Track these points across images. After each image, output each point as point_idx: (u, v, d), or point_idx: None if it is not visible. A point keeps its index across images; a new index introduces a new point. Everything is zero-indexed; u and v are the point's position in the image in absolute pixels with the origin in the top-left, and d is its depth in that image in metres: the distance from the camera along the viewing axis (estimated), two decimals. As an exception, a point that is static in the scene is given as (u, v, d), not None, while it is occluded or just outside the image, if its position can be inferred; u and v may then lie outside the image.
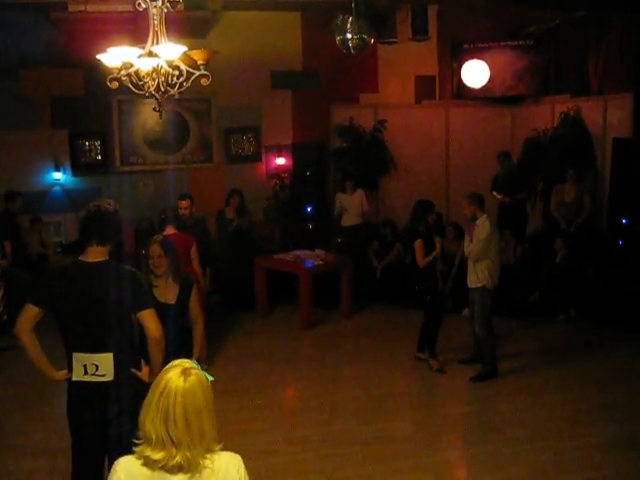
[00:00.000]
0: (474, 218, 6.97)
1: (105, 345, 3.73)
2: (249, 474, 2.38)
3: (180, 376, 2.27)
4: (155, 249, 4.86)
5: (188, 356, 4.06)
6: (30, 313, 3.74)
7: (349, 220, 10.35)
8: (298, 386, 7.28)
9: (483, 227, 6.91)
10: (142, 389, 3.49)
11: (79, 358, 3.74)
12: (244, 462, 2.38)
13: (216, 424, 2.31)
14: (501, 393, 6.75)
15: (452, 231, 9.54)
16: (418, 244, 7.15)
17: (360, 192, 10.33)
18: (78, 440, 3.88)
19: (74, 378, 3.78)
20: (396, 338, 8.29)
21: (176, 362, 2.35)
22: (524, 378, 7.05)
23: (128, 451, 2.38)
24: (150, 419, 2.25)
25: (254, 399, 6.61)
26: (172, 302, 4.89)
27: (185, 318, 5.00)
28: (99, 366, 3.72)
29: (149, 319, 3.79)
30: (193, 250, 7.18)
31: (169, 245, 4.99)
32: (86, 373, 3.74)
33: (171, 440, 2.23)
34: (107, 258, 3.81)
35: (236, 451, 2.40)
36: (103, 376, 3.73)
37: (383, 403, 6.55)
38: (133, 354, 3.87)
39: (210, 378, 2.35)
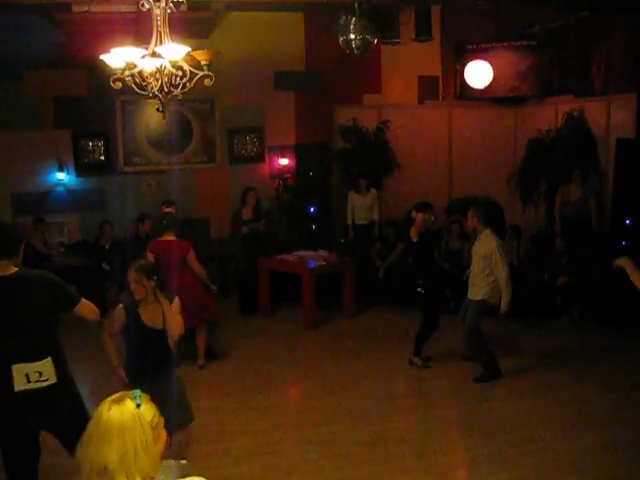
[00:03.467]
0: (475, 231, 6.96)
1: (43, 352, 3.91)
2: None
3: (108, 403, 2.22)
4: (131, 274, 4.68)
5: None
6: None
7: (358, 219, 10.37)
8: (301, 386, 7.28)
9: (484, 242, 6.89)
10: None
11: (20, 369, 3.87)
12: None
13: (138, 458, 2.16)
14: (503, 394, 6.75)
15: (456, 229, 9.53)
16: (419, 217, 7.09)
17: (373, 192, 10.33)
18: (15, 449, 4.03)
19: (16, 389, 3.88)
20: (399, 339, 8.27)
21: (125, 392, 2.29)
22: (526, 379, 7.04)
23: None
24: (79, 443, 2.22)
25: (257, 399, 6.61)
26: (159, 327, 4.68)
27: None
28: (42, 372, 3.90)
29: (83, 311, 4.13)
30: (190, 256, 7.20)
31: (149, 269, 4.78)
32: (29, 381, 3.89)
33: (84, 465, 2.16)
34: (16, 269, 3.95)
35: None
36: (47, 380, 3.91)
37: (385, 404, 6.55)
38: (62, 352, 4.09)
39: (142, 406, 2.25)
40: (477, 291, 6.97)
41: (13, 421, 3.95)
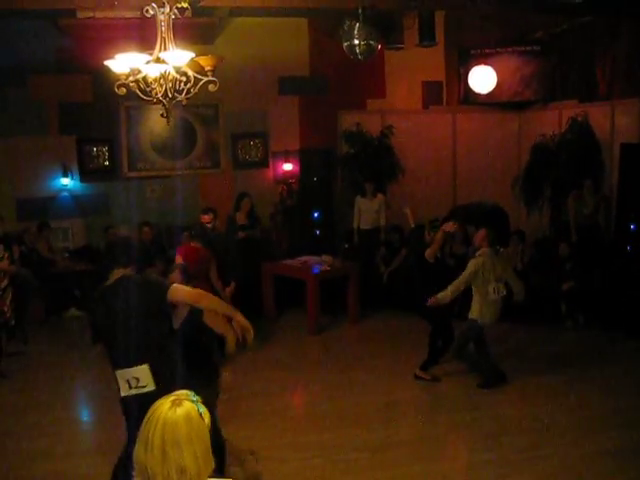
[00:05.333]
0: (478, 248, 6.95)
1: (140, 358, 3.86)
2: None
3: (168, 405, 2.17)
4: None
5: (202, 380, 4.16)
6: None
7: (363, 224, 10.35)
8: (305, 392, 7.27)
9: (473, 261, 6.88)
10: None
11: (121, 374, 3.90)
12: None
13: (206, 461, 2.15)
14: (507, 400, 6.73)
15: (460, 234, 9.52)
16: (439, 235, 7.07)
17: (380, 197, 10.32)
18: None
19: (122, 394, 3.93)
20: (403, 344, 8.27)
21: (178, 393, 2.26)
22: (531, 385, 7.01)
23: None
24: (137, 446, 2.16)
25: (261, 405, 6.59)
26: (176, 327, 4.65)
27: (198, 342, 4.80)
28: (139, 379, 3.85)
29: (176, 294, 3.90)
30: (213, 268, 7.26)
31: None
32: (130, 387, 3.88)
33: (147, 471, 2.11)
34: (124, 274, 4.00)
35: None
36: (145, 387, 3.85)
37: (390, 409, 6.54)
38: (169, 360, 3.95)
39: (201, 410, 2.21)
40: (472, 307, 6.97)
41: (131, 425, 3.98)
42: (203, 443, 2.16)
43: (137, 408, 3.82)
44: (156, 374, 3.85)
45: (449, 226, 7.09)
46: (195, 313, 4.62)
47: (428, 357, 7.17)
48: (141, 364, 3.84)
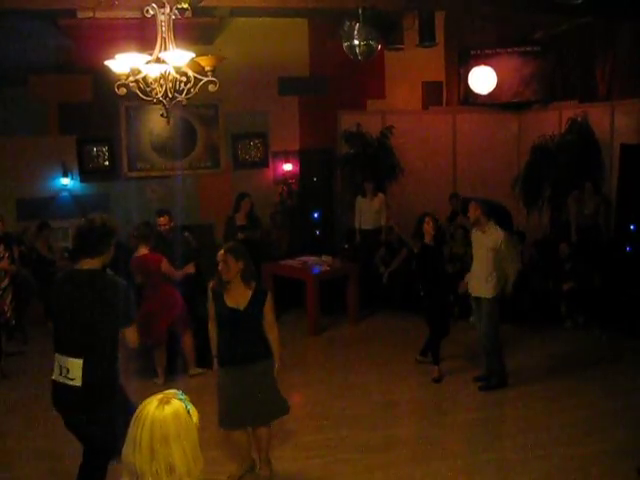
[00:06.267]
0: (477, 223, 6.84)
1: (78, 351, 3.89)
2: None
3: (156, 404, 2.16)
4: (220, 254, 4.87)
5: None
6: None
7: (364, 224, 10.35)
8: (304, 392, 7.26)
9: (490, 234, 6.75)
10: (116, 400, 3.85)
11: (58, 358, 3.96)
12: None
13: (195, 458, 2.15)
14: (508, 400, 6.74)
15: (460, 234, 9.52)
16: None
17: (381, 197, 10.32)
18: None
19: (52, 377, 4.00)
20: (403, 344, 8.27)
21: (166, 391, 2.26)
22: (531, 385, 7.02)
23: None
24: (125, 446, 2.15)
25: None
26: (241, 307, 4.86)
27: (260, 324, 4.97)
28: (70, 370, 3.90)
29: (130, 334, 4.07)
30: (164, 265, 7.01)
31: (240, 251, 4.94)
32: (60, 374, 3.93)
33: (136, 470, 2.10)
34: (97, 267, 4.02)
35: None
36: (72, 380, 3.89)
37: (390, 409, 6.54)
38: (109, 363, 3.98)
39: (189, 407, 2.21)
40: (485, 288, 6.77)
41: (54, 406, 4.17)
42: (192, 441, 2.16)
43: (58, 395, 3.97)
44: (86, 372, 3.87)
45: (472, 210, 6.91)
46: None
47: (433, 359, 7.28)
48: (77, 358, 3.89)
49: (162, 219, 7.73)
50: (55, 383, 3.98)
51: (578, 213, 9.70)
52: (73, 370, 3.87)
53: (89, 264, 4.01)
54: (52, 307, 4.11)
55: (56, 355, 3.96)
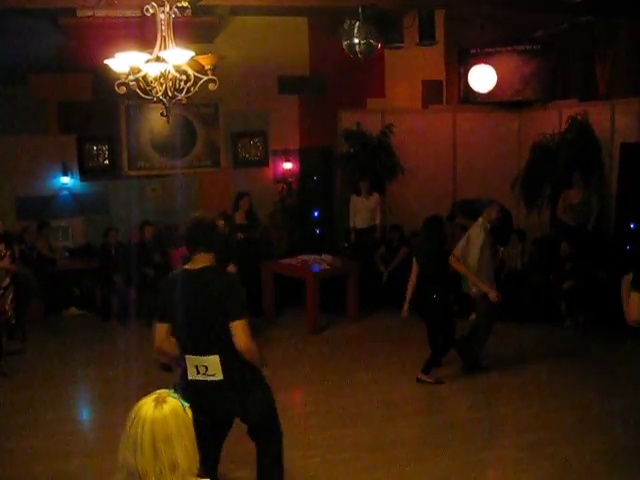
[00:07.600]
0: (465, 228, 6.97)
1: (213, 349, 3.91)
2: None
3: (153, 404, 2.17)
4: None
5: None
6: (161, 330, 4.04)
7: (359, 223, 10.35)
8: (303, 390, 7.27)
9: (475, 232, 6.91)
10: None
11: (190, 360, 3.96)
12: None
13: (195, 455, 2.19)
14: (508, 399, 6.74)
15: (460, 235, 9.51)
16: None
17: (375, 196, 10.31)
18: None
19: (189, 378, 3.98)
20: (402, 343, 8.27)
21: (159, 391, 2.27)
22: (530, 384, 7.01)
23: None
24: (121, 449, 2.15)
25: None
26: None
27: None
28: (208, 367, 3.92)
29: (239, 330, 3.91)
30: None
31: None
32: (198, 373, 3.95)
33: (138, 471, 2.10)
34: (210, 264, 4.00)
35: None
36: (213, 375, 3.92)
37: (389, 408, 6.53)
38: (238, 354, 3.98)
39: (186, 405, 2.24)
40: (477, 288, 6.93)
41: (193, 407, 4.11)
42: (191, 437, 2.20)
43: (199, 391, 3.94)
44: (225, 365, 3.91)
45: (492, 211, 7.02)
46: None
47: (430, 357, 7.14)
48: (213, 355, 3.90)
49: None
50: (194, 383, 3.96)
51: (567, 208, 9.66)
52: (211, 367, 3.91)
53: (203, 260, 3.97)
54: (167, 309, 4.00)
55: (187, 357, 3.96)
